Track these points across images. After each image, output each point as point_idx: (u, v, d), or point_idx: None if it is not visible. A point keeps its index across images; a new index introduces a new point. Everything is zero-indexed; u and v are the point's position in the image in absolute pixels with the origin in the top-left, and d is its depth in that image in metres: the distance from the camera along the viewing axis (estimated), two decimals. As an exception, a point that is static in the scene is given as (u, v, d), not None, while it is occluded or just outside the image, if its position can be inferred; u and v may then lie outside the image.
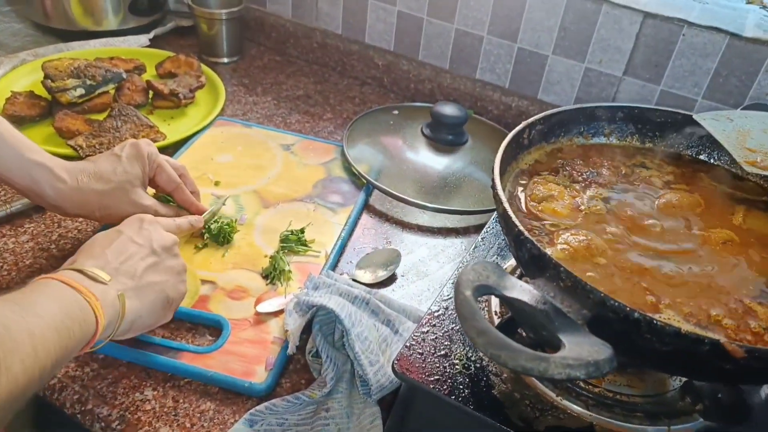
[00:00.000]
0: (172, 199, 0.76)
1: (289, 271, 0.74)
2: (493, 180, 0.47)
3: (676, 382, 0.52)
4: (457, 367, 0.52)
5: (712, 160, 0.60)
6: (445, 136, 0.96)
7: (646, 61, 0.94)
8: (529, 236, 0.42)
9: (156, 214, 0.71)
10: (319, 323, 0.61)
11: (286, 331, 0.62)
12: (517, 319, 0.42)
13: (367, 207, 0.89)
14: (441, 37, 1.09)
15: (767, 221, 0.53)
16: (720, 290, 0.46)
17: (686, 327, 0.36)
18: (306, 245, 0.78)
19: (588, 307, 0.39)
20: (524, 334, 0.45)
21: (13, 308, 0.44)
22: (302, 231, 0.79)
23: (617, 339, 0.38)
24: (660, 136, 0.61)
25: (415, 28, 1.11)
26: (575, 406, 0.49)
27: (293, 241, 0.78)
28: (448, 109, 0.95)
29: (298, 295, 0.64)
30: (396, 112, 1.05)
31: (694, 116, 0.59)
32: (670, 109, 0.61)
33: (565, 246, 0.48)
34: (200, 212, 0.77)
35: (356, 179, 0.92)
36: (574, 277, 0.39)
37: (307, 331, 0.64)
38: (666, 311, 0.44)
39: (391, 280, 0.77)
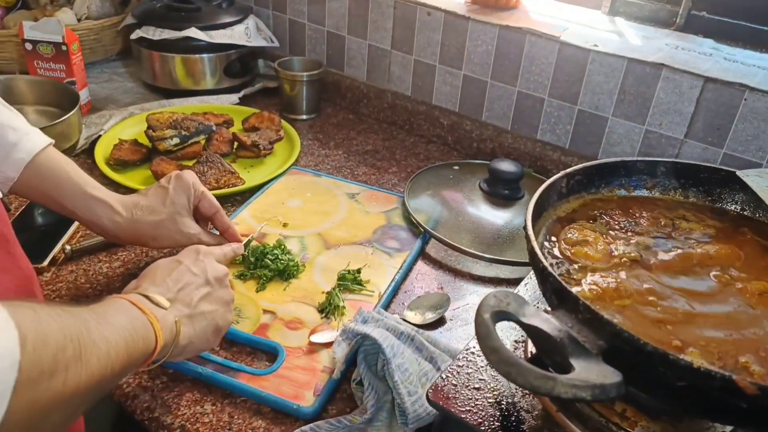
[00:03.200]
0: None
1: (343, 307, 0.79)
2: (525, 220, 0.51)
3: (713, 433, 0.51)
4: (489, 400, 0.55)
5: (757, 215, 0.60)
6: (501, 191, 1.00)
7: (708, 125, 0.95)
8: (552, 271, 0.45)
9: (200, 240, 0.79)
10: (363, 352, 0.65)
11: (334, 359, 0.67)
12: (534, 344, 0.45)
13: (422, 254, 0.93)
14: (503, 99, 1.15)
15: (809, 276, 0.53)
16: (750, 339, 0.47)
17: (699, 362, 0.38)
18: (361, 284, 0.83)
19: (603, 338, 0.41)
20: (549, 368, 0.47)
21: (91, 315, 0.49)
22: (359, 271, 0.84)
23: (631, 371, 0.40)
24: (704, 192, 0.62)
25: (479, 90, 1.18)
26: (604, 448, 0.50)
27: (349, 280, 0.83)
28: (505, 165, 0.99)
29: (346, 324, 0.69)
30: (457, 167, 1.11)
31: (738, 173, 0.60)
32: (713, 165, 0.62)
33: (593, 287, 0.50)
34: (234, 236, 0.83)
35: (414, 228, 0.97)
36: (592, 309, 0.41)
37: (355, 363, 0.68)
38: (690, 354, 0.45)
39: (439, 322, 0.80)
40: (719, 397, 0.38)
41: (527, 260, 0.88)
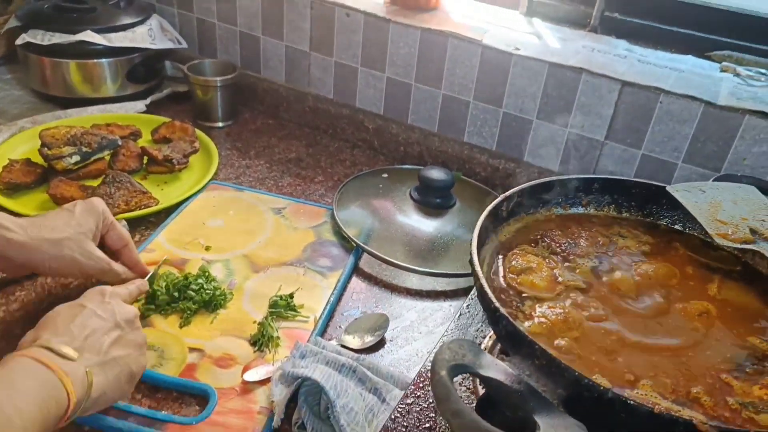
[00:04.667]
0: None
1: (278, 338, 0.74)
2: (470, 255, 0.49)
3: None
4: (441, 440, 0.52)
5: (686, 230, 0.62)
6: (432, 200, 0.98)
7: (627, 127, 0.97)
8: (505, 313, 0.43)
9: (108, 268, 0.72)
10: (304, 394, 0.61)
11: (272, 402, 0.63)
12: (494, 397, 0.43)
13: (356, 270, 0.90)
14: (429, 101, 1.13)
15: (741, 292, 0.54)
16: (697, 365, 0.47)
17: (661, 405, 0.37)
18: (295, 310, 0.79)
19: (562, 385, 0.39)
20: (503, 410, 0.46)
21: None
22: (291, 296, 0.80)
23: (593, 418, 0.39)
24: (636, 206, 0.63)
25: (404, 93, 1.15)
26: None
27: (282, 307, 0.78)
28: (436, 173, 0.97)
29: (284, 365, 0.65)
30: (385, 175, 1.08)
31: (668, 188, 0.61)
32: (644, 180, 0.63)
33: (542, 319, 0.49)
34: (144, 273, 0.77)
35: (346, 242, 0.93)
36: (549, 355, 0.40)
37: (294, 400, 0.64)
38: (643, 388, 0.44)
39: (379, 345, 0.77)
40: (680, 439, 0.38)
41: (463, 271, 0.87)
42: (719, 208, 0.58)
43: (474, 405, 0.46)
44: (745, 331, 0.50)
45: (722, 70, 1.00)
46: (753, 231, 0.55)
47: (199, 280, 0.79)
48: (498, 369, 0.40)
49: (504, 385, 0.39)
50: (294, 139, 1.23)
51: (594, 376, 0.39)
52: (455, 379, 0.58)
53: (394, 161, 1.19)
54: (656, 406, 0.37)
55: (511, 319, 0.42)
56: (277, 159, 1.15)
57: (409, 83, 1.14)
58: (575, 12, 1.14)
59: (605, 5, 1.10)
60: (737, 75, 0.98)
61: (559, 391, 0.39)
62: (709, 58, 1.04)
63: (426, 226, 0.96)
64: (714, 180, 0.65)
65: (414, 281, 0.89)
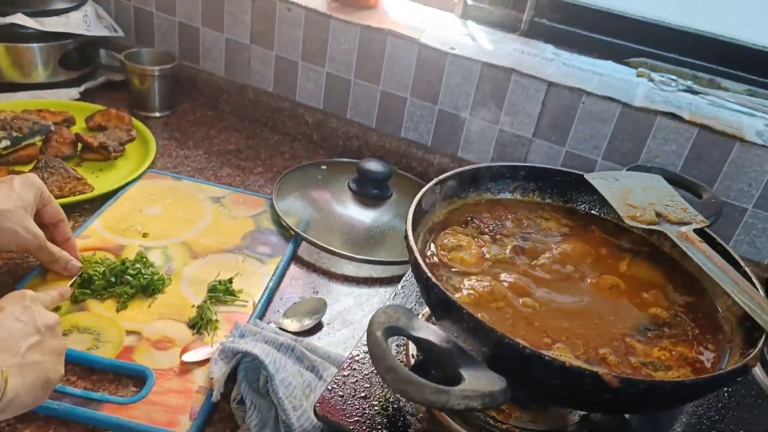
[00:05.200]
0: None
1: (216, 321, 0.75)
2: (406, 231, 0.52)
3: (575, 417, 0.57)
4: (375, 408, 0.55)
5: (602, 214, 0.68)
6: (370, 191, 1.01)
7: (552, 125, 1.04)
8: (436, 282, 0.46)
9: (44, 245, 0.72)
10: (244, 370, 0.62)
11: (211, 378, 0.64)
12: (425, 357, 0.46)
13: (295, 258, 0.92)
14: (367, 97, 1.17)
15: (647, 269, 0.60)
16: (605, 330, 0.52)
17: (571, 361, 0.41)
18: (234, 295, 0.80)
19: (487, 345, 0.43)
20: (433, 372, 0.49)
21: None
22: (230, 281, 0.81)
23: (513, 373, 0.43)
24: (558, 193, 0.69)
25: (343, 88, 1.18)
26: (484, 442, 0.53)
27: (221, 291, 0.79)
28: (373, 165, 1.00)
29: (224, 342, 0.66)
30: (324, 167, 1.10)
31: (585, 176, 0.67)
32: (565, 169, 0.68)
33: (471, 291, 0.53)
34: (75, 253, 0.77)
35: (285, 231, 0.95)
36: (475, 318, 0.44)
37: (232, 379, 0.65)
38: (558, 350, 0.49)
39: (317, 328, 0.79)
40: (589, 390, 0.42)
41: (399, 259, 0.91)
42: (630, 194, 0.64)
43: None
44: (648, 302, 0.56)
45: (638, 75, 1.08)
46: (658, 214, 0.62)
47: (137, 265, 0.79)
48: (429, 331, 0.43)
49: (434, 345, 0.42)
50: (234, 130, 1.23)
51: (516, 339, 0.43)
52: (393, 348, 0.61)
53: (333, 155, 1.21)
54: (567, 362, 0.42)
55: (441, 287, 0.46)
56: (216, 150, 1.15)
57: (348, 79, 1.17)
58: (507, 17, 1.20)
59: (535, 12, 1.17)
60: (651, 80, 1.07)
61: (483, 350, 0.43)
62: (627, 64, 1.13)
63: (363, 216, 0.99)
64: (627, 170, 0.71)
65: (351, 269, 0.92)
